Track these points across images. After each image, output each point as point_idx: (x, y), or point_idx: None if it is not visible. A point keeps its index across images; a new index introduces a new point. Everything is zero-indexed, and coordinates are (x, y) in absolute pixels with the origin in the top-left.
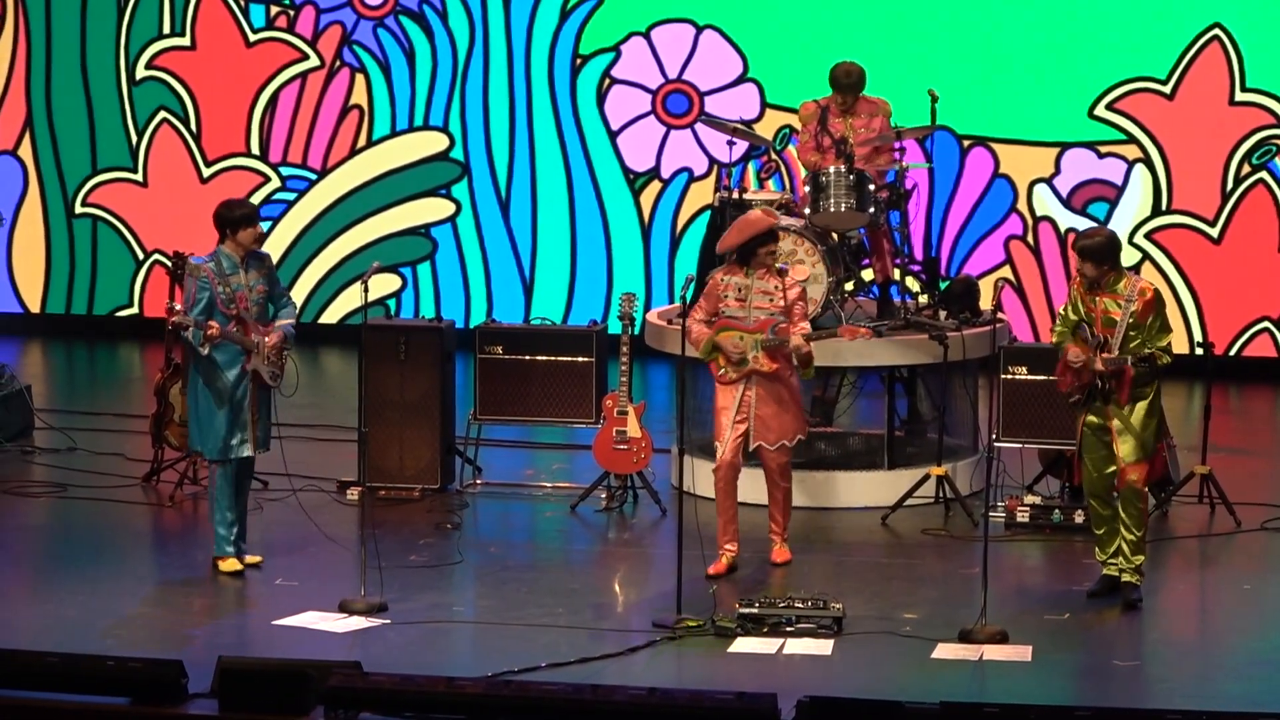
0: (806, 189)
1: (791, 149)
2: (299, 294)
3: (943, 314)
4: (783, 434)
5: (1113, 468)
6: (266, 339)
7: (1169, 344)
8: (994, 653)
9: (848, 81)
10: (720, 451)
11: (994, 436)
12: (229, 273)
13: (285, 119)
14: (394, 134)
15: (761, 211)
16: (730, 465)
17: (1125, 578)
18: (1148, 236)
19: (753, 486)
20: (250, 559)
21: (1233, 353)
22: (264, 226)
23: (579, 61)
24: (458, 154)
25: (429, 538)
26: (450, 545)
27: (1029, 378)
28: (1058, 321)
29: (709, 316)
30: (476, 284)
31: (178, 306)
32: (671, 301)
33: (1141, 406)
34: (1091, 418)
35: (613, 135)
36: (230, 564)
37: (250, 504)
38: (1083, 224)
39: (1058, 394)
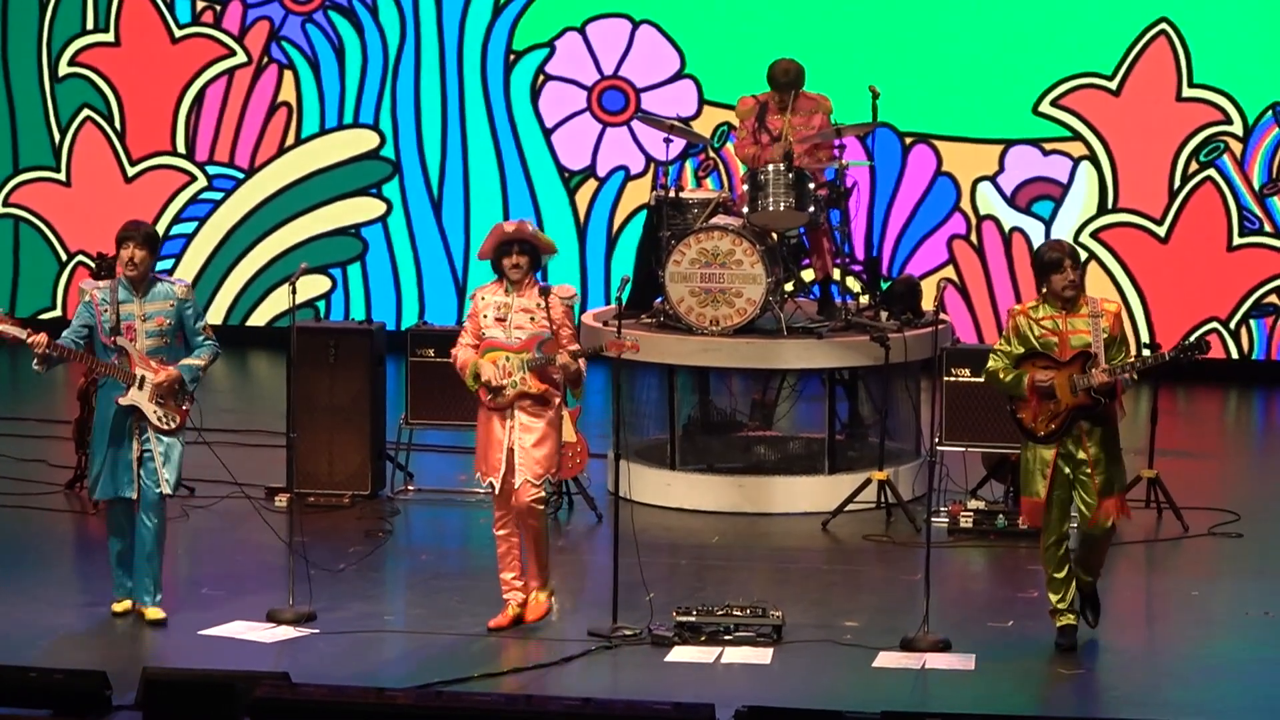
0: (745, 187)
1: (729, 146)
2: (225, 296)
3: (884, 315)
4: (548, 467)
5: (1074, 506)
6: (152, 375)
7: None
8: (936, 661)
9: (785, 80)
10: (497, 489)
11: (936, 440)
12: (122, 300)
13: (212, 117)
14: (323, 132)
15: (513, 222)
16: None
17: (1068, 620)
18: (1094, 235)
19: (692, 492)
20: (150, 613)
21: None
22: (138, 248)
23: (512, 58)
24: (388, 152)
25: (359, 545)
26: (381, 553)
27: (972, 380)
28: (995, 356)
29: (475, 339)
30: (408, 285)
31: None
32: (608, 303)
33: (1111, 435)
34: (1066, 449)
35: (547, 133)
36: (120, 605)
37: (175, 511)
38: (1028, 223)
39: (1015, 423)
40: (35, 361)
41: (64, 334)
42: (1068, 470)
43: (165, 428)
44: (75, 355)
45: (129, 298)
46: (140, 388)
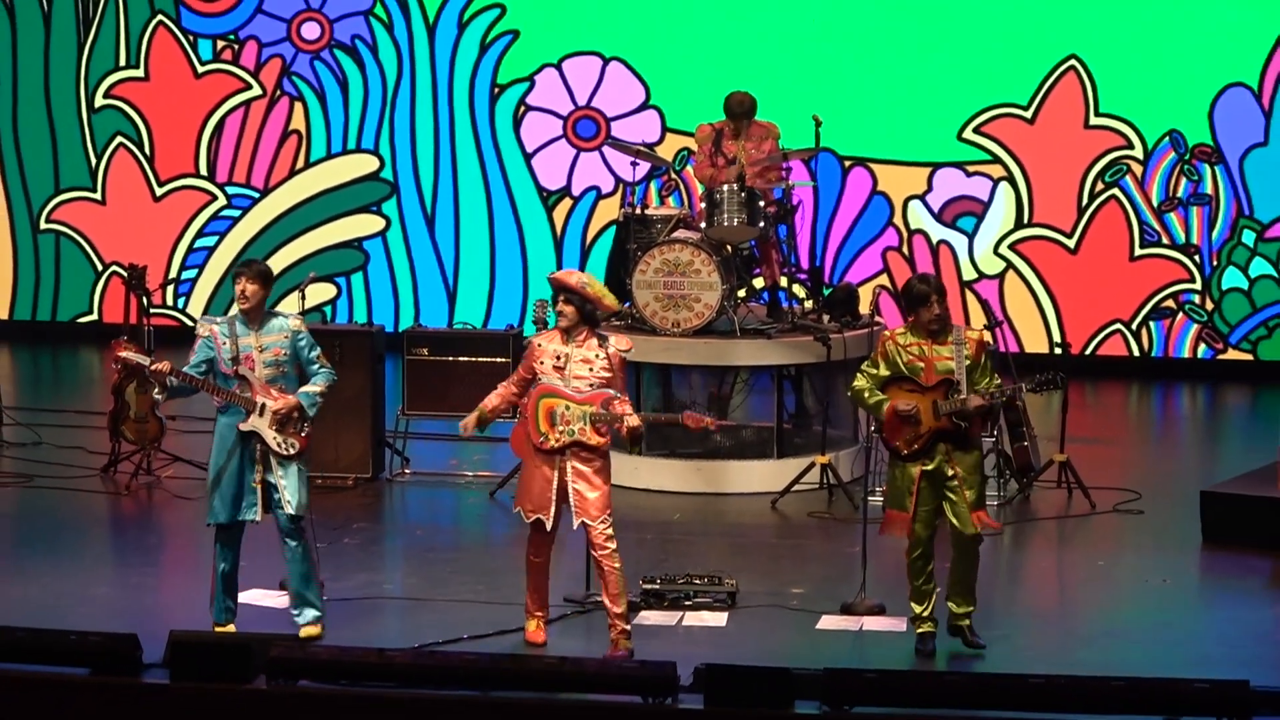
0: (703, 205)
1: (689, 169)
2: None
3: (826, 318)
4: (604, 506)
5: (938, 520)
6: (272, 403)
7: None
8: (873, 624)
9: (740, 110)
10: (545, 525)
11: (872, 429)
12: (239, 334)
13: (230, 143)
14: (329, 156)
15: (566, 270)
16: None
17: (963, 623)
18: (1011, 247)
19: (656, 475)
20: (306, 631)
21: (1088, 352)
22: (243, 280)
23: (497, 90)
24: (387, 174)
25: (362, 522)
26: (381, 529)
27: None
28: (861, 376)
29: (520, 382)
30: (404, 292)
31: (124, 338)
32: None
33: (976, 454)
34: (930, 468)
35: (528, 157)
36: (221, 630)
37: (198, 491)
38: (953, 237)
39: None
40: (157, 390)
41: (184, 369)
42: (935, 487)
43: (285, 453)
44: (200, 383)
45: (245, 331)
46: (260, 415)
